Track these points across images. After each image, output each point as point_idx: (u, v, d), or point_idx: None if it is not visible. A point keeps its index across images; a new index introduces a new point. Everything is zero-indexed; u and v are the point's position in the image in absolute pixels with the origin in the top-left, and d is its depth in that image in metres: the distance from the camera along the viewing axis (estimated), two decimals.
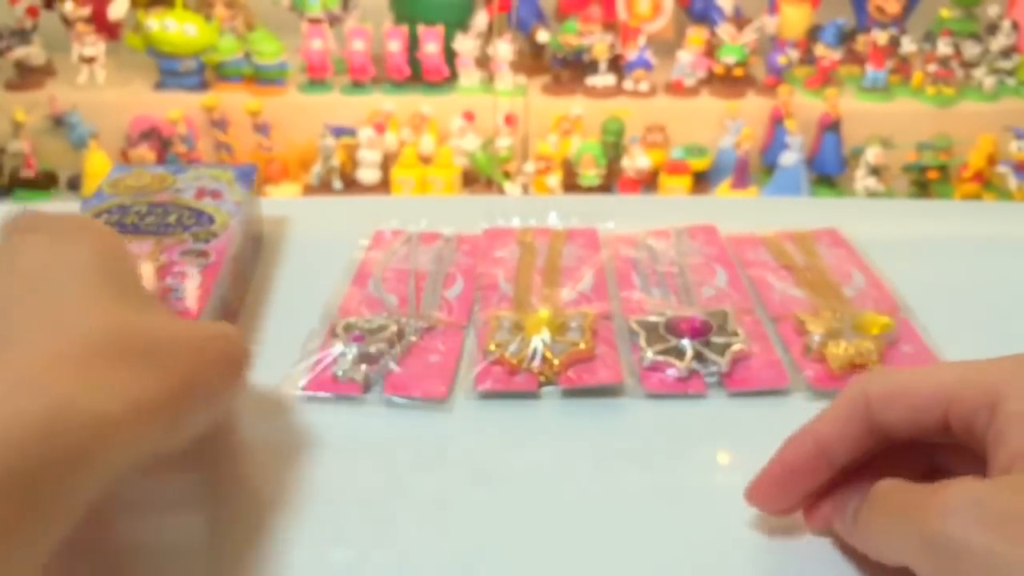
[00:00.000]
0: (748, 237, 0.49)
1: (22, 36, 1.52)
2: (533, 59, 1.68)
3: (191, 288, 0.39)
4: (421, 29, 1.55)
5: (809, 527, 0.30)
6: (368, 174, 1.52)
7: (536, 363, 0.38)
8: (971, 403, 0.27)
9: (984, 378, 0.27)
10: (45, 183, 1.48)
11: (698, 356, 0.38)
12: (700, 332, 0.39)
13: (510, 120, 1.53)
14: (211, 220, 0.44)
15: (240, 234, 0.44)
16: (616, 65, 1.63)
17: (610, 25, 1.64)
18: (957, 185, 1.54)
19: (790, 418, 0.31)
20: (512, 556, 0.30)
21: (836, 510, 0.30)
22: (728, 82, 1.62)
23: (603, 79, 1.62)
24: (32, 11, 1.53)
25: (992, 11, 1.61)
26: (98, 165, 1.44)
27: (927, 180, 1.55)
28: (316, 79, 1.58)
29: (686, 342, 0.38)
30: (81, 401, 0.23)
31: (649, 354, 0.38)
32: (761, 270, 0.46)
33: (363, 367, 0.38)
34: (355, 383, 0.37)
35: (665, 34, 1.68)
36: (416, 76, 1.58)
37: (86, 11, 1.52)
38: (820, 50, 1.62)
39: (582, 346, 0.38)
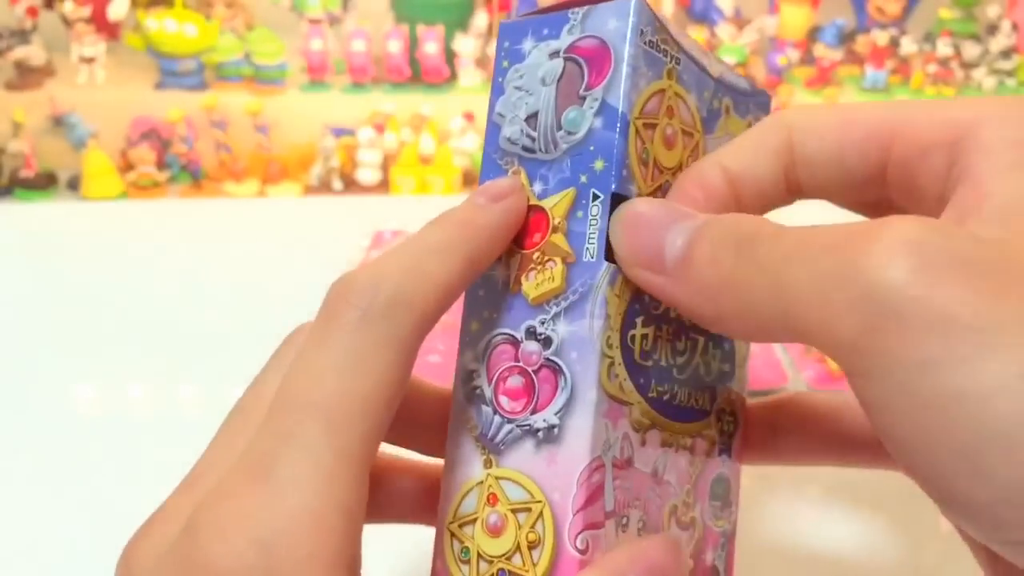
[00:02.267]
0: None
1: (22, 36, 1.52)
2: None
3: None
4: (421, 29, 1.55)
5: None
6: (368, 174, 1.52)
7: None
8: (924, 139, 0.22)
9: (946, 113, 0.22)
10: (45, 183, 1.48)
11: None
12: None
13: None
14: None
15: None
16: None
17: None
18: None
19: None
20: None
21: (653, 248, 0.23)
22: None
23: None
24: (32, 11, 1.53)
25: (992, 12, 1.61)
26: (98, 165, 1.44)
27: None
28: (316, 79, 1.58)
29: None
30: None
31: None
32: None
33: None
34: None
35: None
36: (416, 76, 1.58)
37: (86, 11, 1.52)
38: (820, 50, 1.62)
39: None
